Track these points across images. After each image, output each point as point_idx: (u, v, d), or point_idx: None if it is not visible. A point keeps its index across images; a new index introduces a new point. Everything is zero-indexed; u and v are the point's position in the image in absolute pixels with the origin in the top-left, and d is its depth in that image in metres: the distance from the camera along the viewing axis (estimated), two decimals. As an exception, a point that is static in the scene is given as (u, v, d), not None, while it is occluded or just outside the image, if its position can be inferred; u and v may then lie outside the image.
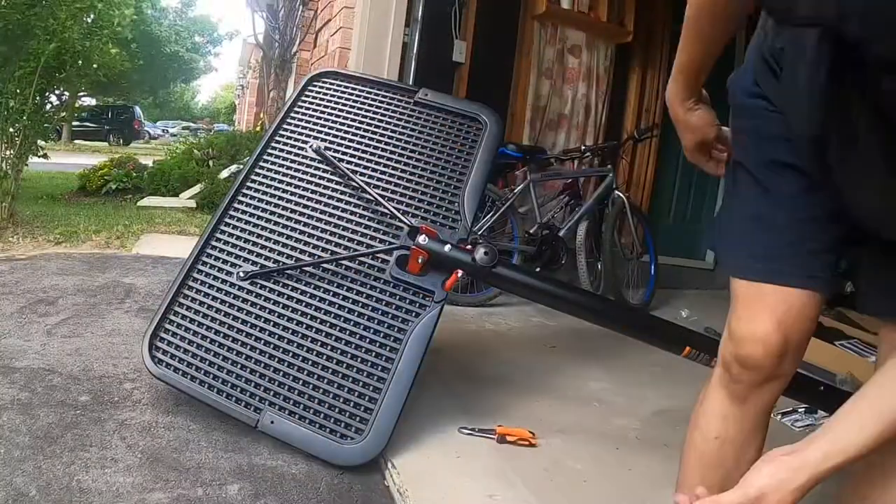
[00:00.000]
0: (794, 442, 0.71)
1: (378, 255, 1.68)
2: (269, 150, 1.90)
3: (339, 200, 1.79)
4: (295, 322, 1.60)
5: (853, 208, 0.79)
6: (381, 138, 1.89)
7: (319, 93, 2.01)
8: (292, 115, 1.96)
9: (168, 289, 1.69)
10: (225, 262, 1.70)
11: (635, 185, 3.94)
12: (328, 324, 1.59)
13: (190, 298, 1.66)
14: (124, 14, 5.77)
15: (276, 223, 1.75)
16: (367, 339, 1.58)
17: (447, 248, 1.58)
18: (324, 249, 1.71)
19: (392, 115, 1.93)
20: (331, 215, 1.76)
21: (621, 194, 3.21)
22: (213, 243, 1.74)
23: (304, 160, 1.87)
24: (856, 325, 3.11)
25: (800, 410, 1.98)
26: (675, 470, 0.94)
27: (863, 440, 0.68)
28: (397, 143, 1.88)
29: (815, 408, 1.90)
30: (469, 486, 1.37)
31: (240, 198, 1.82)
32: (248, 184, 1.84)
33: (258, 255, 1.71)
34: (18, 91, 3.83)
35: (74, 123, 15.15)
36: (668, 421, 1.84)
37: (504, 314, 2.79)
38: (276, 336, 1.58)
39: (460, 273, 1.64)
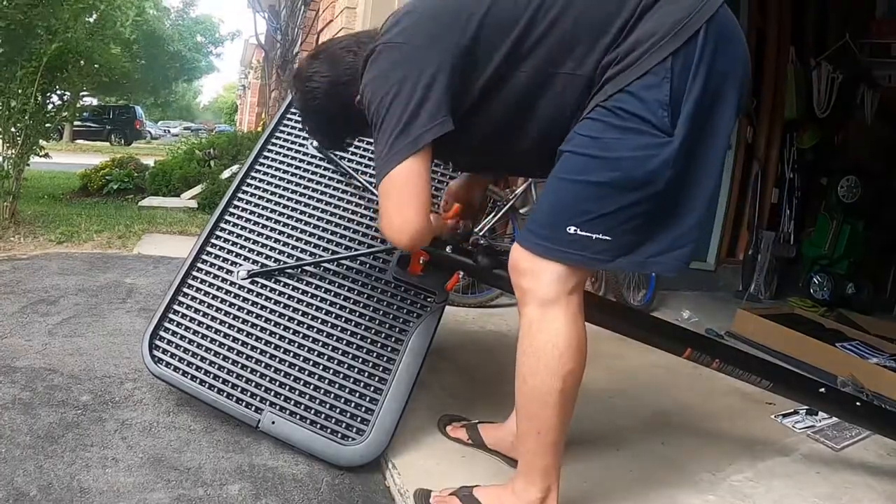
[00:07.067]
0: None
1: (379, 255, 1.68)
2: (270, 147, 1.88)
3: (340, 199, 1.78)
4: (296, 322, 1.59)
5: None
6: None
7: None
8: (293, 110, 1.94)
9: (168, 288, 1.68)
10: (225, 260, 1.69)
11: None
12: (329, 324, 1.59)
13: (190, 297, 1.65)
14: (128, 15, 5.79)
15: (276, 221, 1.75)
16: (369, 340, 1.58)
17: (448, 249, 1.58)
18: (325, 249, 1.70)
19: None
20: (332, 214, 1.75)
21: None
22: (213, 241, 1.73)
23: (305, 157, 1.86)
24: (856, 327, 3.11)
25: (801, 412, 1.98)
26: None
27: None
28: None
29: (816, 409, 1.89)
30: (470, 486, 1.37)
31: (240, 195, 1.80)
32: (248, 181, 1.83)
33: (258, 253, 1.70)
34: (20, 91, 3.82)
35: (76, 123, 15.16)
36: (668, 422, 1.84)
37: (505, 315, 2.79)
38: (277, 336, 1.58)
39: (461, 274, 1.64)
